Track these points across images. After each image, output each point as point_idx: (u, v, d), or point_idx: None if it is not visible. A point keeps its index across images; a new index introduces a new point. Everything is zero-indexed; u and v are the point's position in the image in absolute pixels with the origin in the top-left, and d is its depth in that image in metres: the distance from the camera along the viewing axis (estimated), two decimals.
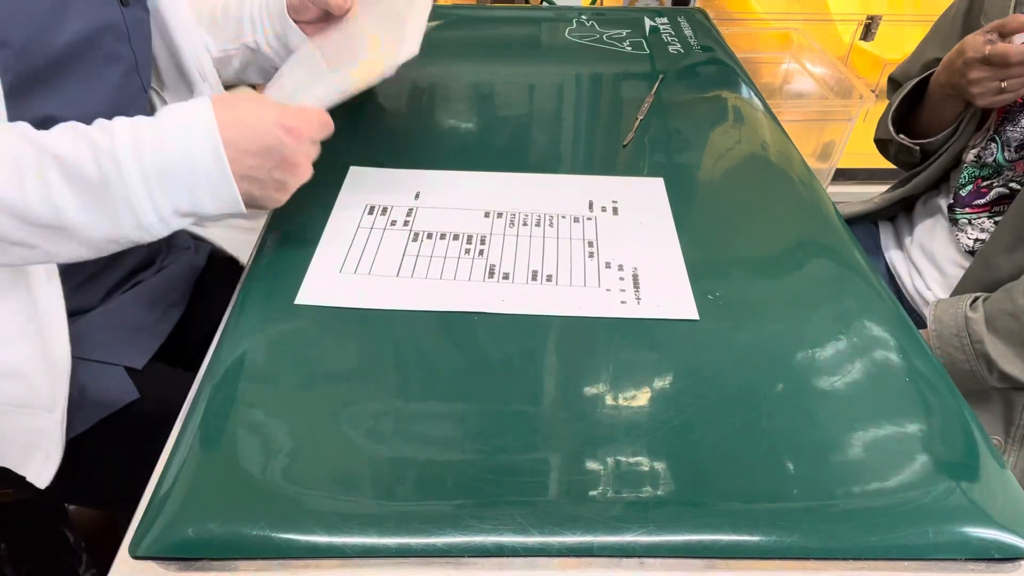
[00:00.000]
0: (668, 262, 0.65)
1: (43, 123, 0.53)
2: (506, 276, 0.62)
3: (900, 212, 1.08)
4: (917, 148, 1.00)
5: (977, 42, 0.84)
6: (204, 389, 0.52)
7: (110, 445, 0.68)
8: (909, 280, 1.00)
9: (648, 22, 1.19)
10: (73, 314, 0.66)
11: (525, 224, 0.69)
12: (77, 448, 0.66)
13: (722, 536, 0.43)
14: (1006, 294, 0.82)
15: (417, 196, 0.72)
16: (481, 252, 0.65)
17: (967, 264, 0.91)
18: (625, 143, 0.84)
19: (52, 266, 0.60)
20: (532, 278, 0.62)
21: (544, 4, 1.63)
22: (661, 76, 1.00)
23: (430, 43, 1.06)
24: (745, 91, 1.00)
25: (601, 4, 1.73)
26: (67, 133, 0.51)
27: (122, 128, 0.51)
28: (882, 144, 1.06)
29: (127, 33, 0.68)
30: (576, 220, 0.70)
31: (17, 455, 0.63)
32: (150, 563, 0.43)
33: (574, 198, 0.73)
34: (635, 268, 0.64)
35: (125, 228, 0.52)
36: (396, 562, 0.43)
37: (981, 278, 0.87)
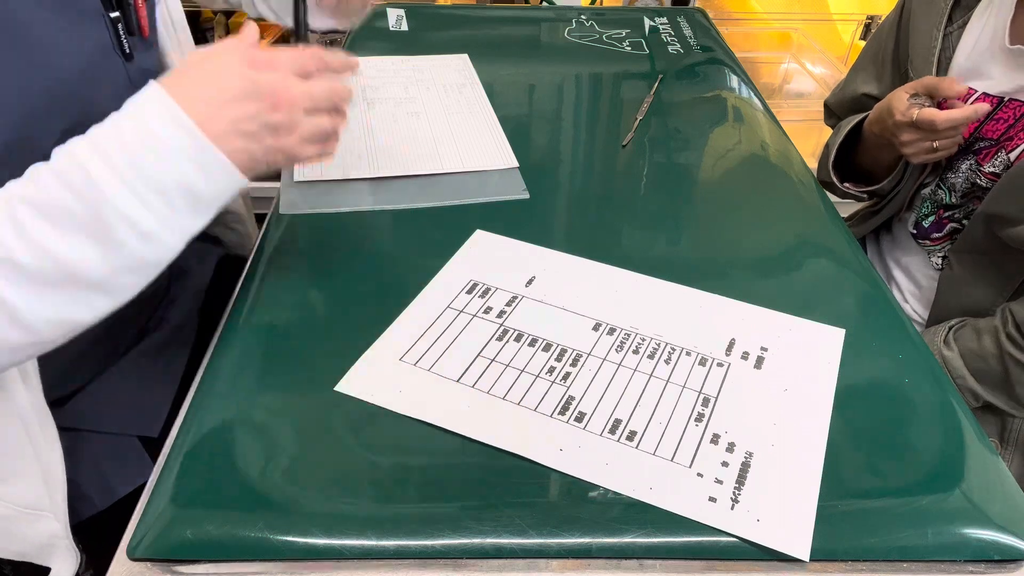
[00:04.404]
0: (801, 456, 0.48)
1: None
2: (580, 418, 0.50)
3: (877, 226, 1.07)
4: (864, 196, 0.98)
5: (903, 104, 0.81)
6: (203, 390, 0.52)
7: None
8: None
9: (648, 22, 1.19)
10: (74, 393, 0.64)
11: (635, 351, 0.55)
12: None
13: (721, 537, 0.43)
14: (974, 333, 0.82)
15: (530, 283, 0.62)
16: (566, 376, 0.53)
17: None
18: (624, 143, 0.84)
19: (29, 369, 0.54)
20: (610, 430, 0.49)
21: (544, 4, 1.63)
22: (661, 76, 1.00)
23: (431, 43, 1.06)
24: (745, 91, 1.00)
25: (601, 4, 1.73)
26: (27, 173, 0.45)
27: (76, 141, 0.45)
28: (827, 186, 1.00)
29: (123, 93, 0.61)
30: (702, 363, 0.55)
31: (36, 554, 0.59)
32: (148, 564, 0.43)
33: (713, 328, 0.58)
34: (749, 452, 0.48)
35: (130, 246, 0.44)
36: (394, 564, 0.43)
37: (955, 303, 0.87)
